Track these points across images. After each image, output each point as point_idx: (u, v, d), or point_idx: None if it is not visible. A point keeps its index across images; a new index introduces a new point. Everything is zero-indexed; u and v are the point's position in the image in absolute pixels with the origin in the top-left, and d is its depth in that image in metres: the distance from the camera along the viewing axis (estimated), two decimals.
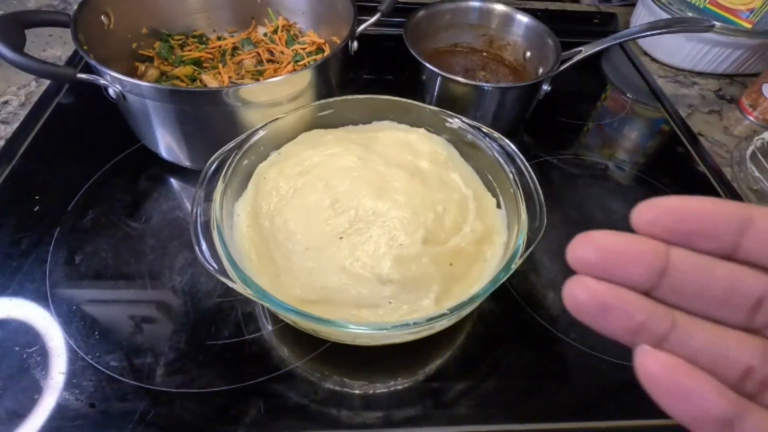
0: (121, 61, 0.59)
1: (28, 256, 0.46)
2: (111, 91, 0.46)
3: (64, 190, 0.51)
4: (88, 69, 0.46)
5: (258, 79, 0.61)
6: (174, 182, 0.54)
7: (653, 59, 0.80)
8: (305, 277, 0.38)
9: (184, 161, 0.53)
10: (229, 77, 0.61)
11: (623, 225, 0.54)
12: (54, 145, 0.56)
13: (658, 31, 0.59)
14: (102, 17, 0.54)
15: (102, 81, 0.45)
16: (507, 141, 0.45)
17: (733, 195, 0.58)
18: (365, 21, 0.55)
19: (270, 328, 0.42)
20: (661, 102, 0.72)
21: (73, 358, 0.39)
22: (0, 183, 0.52)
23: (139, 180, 0.54)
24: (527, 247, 0.38)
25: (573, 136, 0.65)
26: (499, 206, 0.45)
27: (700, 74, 0.77)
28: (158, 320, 0.42)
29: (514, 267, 0.36)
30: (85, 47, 0.46)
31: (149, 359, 0.39)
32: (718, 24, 0.65)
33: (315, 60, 0.63)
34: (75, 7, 0.78)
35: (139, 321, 0.42)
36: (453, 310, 0.33)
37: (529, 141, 0.63)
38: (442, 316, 0.33)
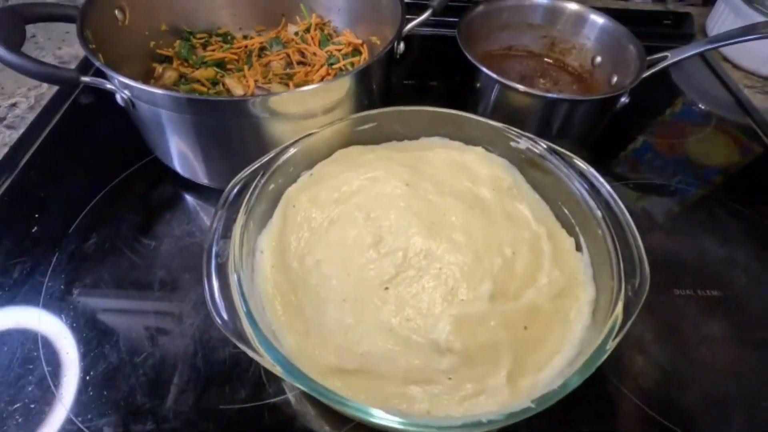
0: (137, 62, 0.53)
1: (20, 287, 0.39)
2: (119, 98, 0.39)
3: (67, 208, 0.45)
4: (99, 71, 0.40)
5: (287, 84, 0.54)
6: (189, 201, 0.48)
7: (736, 66, 0.69)
8: (341, 337, 0.30)
9: (202, 178, 0.47)
10: (255, 81, 0.54)
11: (718, 270, 0.43)
12: (60, 155, 0.51)
13: (756, 36, 0.49)
14: (116, 11, 0.48)
15: (109, 86, 0.39)
16: (592, 170, 0.36)
17: None
18: (412, 20, 0.47)
19: (294, 390, 0.35)
20: (751, 116, 0.61)
21: (63, 420, 0.33)
22: None
23: (150, 198, 0.47)
24: (627, 314, 0.29)
25: (646, 156, 0.55)
26: (578, 248, 0.37)
27: None
28: (163, 375, 0.35)
29: (609, 348, 0.27)
30: (93, 46, 0.40)
31: (150, 426, 0.32)
32: None
33: (353, 64, 0.55)
34: None
35: (141, 375, 0.35)
36: (540, 402, 0.25)
37: (597, 161, 0.54)
38: (525, 410, 0.25)
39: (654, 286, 0.42)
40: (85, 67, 0.62)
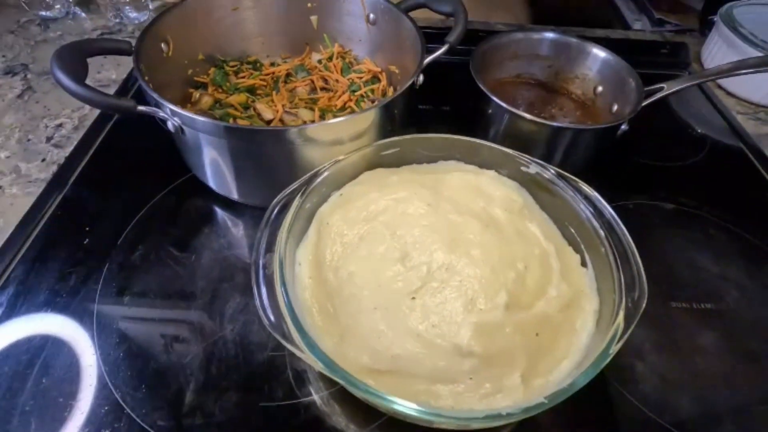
0: (176, 88, 0.57)
1: (76, 294, 0.43)
2: (170, 124, 0.44)
3: (115, 222, 0.49)
4: (144, 96, 0.44)
5: (312, 108, 0.58)
6: (225, 217, 0.52)
7: (729, 93, 0.74)
8: (374, 341, 0.34)
9: (234, 195, 0.51)
10: (283, 105, 0.58)
11: (712, 285, 0.48)
12: (106, 172, 0.55)
13: (748, 71, 0.53)
14: (162, 44, 0.52)
15: (161, 114, 0.43)
16: (596, 194, 0.40)
17: None
18: (431, 53, 0.52)
19: (326, 391, 0.39)
20: (744, 141, 0.66)
21: (119, 414, 0.36)
22: (51, 212, 0.50)
23: (190, 213, 0.51)
24: (627, 323, 0.33)
25: (646, 179, 0.59)
26: (583, 264, 0.40)
27: None
28: (210, 375, 0.39)
29: (612, 352, 0.31)
30: (146, 78, 0.45)
31: (198, 420, 0.36)
32: None
33: (373, 90, 0.60)
34: (130, 28, 0.78)
35: (188, 375, 0.39)
36: (552, 399, 0.29)
37: (599, 183, 0.58)
38: (539, 405, 0.28)
39: (653, 299, 0.46)
40: (123, 90, 0.67)
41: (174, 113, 0.43)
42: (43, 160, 0.57)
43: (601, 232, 0.38)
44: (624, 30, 0.87)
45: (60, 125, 0.61)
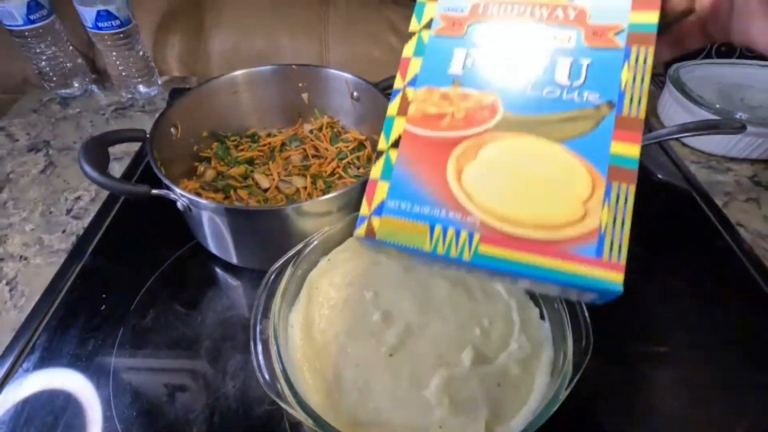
0: (184, 162, 0.65)
1: (94, 357, 0.49)
2: (179, 204, 0.51)
3: (128, 288, 0.55)
4: (156, 178, 0.51)
5: (304, 175, 0.66)
6: (226, 279, 0.58)
7: (684, 144, 0.81)
8: (357, 396, 0.39)
9: (234, 260, 0.57)
10: (279, 173, 0.66)
11: (664, 328, 0.54)
12: (120, 242, 0.61)
13: (690, 134, 0.61)
14: (171, 129, 0.60)
15: (172, 196, 0.50)
16: None
17: None
18: None
19: None
20: (696, 190, 0.72)
21: None
22: (71, 281, 0.56)
23: (195, 277, 0.57)
24: (575, 371, 0.38)
25: None
26: (542, 317, 0.46)
27: (733, 159, 0.78)
28: (213, 429, 0.43)
29: (562, 397, 0.36)
30: (159, 163, 0.52)
31: None
32: (749, 128, 0.67)
33: (359, 158, 0.67)
34: (141, 103, 0.87)
35: (195, 430, 0.43)
36: None
37: None
38: None
39: (610, 342, 0.51)
40: (130, 172, 0.73)
41: (182, 195, 0.50)
42: (64, 231, 0.63)
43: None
44: None
45: (78, 198, 0.68)
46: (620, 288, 0.25)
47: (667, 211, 0.69)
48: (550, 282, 0.26)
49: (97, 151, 0.51)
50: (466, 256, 0.26)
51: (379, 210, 0.29)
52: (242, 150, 0.69)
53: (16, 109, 0.86)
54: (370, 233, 0.29)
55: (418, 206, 0.28)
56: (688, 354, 0.51)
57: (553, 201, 0.26)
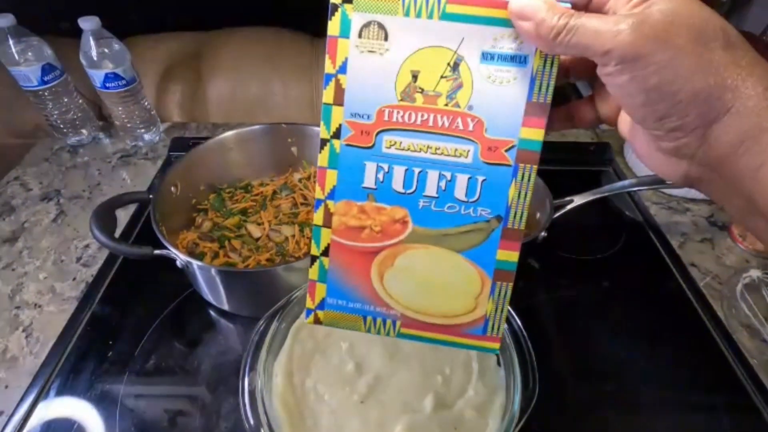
0: (182, 214, 0.71)
1: (102, 402, 0.55)
2: (178, 263, 0.57)
3: (132, 335, 0.61)
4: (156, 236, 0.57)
5: (293, 222, 0.72)
6: (221, 324, 0.64)
7: None
8: None
9: (226, 307, 0.63)
10: (269, 222, 0.72)
11: (618, 366, 0.60)
12: (125, 290, 0.68)
13: (645, 188, 0.67)
14: (171, 188, 0.67)
15: (172, 255, 0.56)
16: (509, 309, 0.52)
17: (724, 331, 0.63)
18: None
19: None
20: (655, 232, 0.78)
21: None
22: (82, 328, 0.62)
23: (193, 323, 0.63)
24: (522, 413, 0.44)
25: (568, 270, 0.72)
26: (499, 363, 0.52)
27: (692, 200, 0.84)
28: None
29: None
30: (161, 226, 0.58)
31: None
32: None
33: None
34: (144, 150, 0.94)
35: None
36: None
37: (529, 278, 0.70)
38: None
39: (567, 378, 0.57)
40: (132, 227, 0.79)
41: (180, 256, 0.56)
42: (74, 279, 0.70)
43: (508, 340, 0.50)
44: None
45: (87, 246, 0.75)
46: (497, 351, 0.37)
47: (625, 249, 0.75)
48: (450, 347, 0.37)
49: (105, 216, 0.57)
50: (392, 334, 0.37)
51: (321, 305, 0.37)
52: (236, 201, 0.75)
53: (29, 158, 0.93)
54: (318, 321, 0.38)
55: (352, 303, 0.37)
56: (637, 390, 0.57)
57: (452, 298, 0.36)
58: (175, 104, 1.06)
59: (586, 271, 0.71)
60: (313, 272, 0.36)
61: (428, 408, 0.46)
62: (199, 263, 0.54)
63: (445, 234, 0.33)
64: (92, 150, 0.95)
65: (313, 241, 0.36)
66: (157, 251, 0.56)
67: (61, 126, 0.92)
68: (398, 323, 0.36)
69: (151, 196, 0.61)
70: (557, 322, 0.64)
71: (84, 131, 0.96)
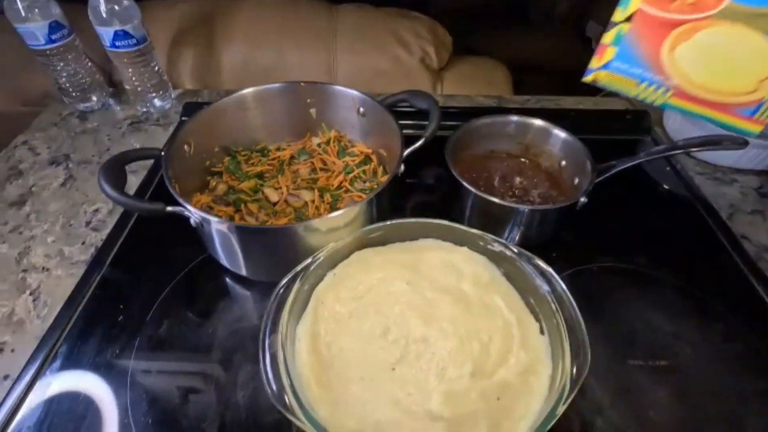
0: (196, 177, 0.67)
1: (112, 368, 0.51)
2: (192, 220, 0.53)
3: (144, 299, 0.58)
4: (170, 193, 0.53)
5: (312, 188, 0.68)
6: (237, 290, 0.60)
7: (689, 155, 0.82)
8: (360, 408, 0.41)
9: (243, 272, 0.59)
10: (287, 187, 0.68)
11: (667, 343, 0.55)
12: (136, 254, 0.64)
13: (693, 149, 0.61)
14: (185, 146, 0.63)
15: (186, 213, 0.52)
16: (550, 270, 0.47)
17: None
18: (409, 146, 0.61)
19: None
20: (701, 202, 0.72)
21: None
22: (91, 292, 0.59)
23: (207, 289, 0.59)
24: (572, 387, 0.39)
25: (610, 241, 0.66)
26: (542, 332, 0.47)
27: (739, 171, 0.78)
28: None
29: (558, 413, 0.37)
30: (173, 181, 0.54)
31: None
32: (752, 140, 0.67)
33: (365, 171, 0.69)
34: (156, 116, 0.90)
35: None
36: None
37: (565, 248, 0.65)
38: None
39: (611, 357, 0.52)
40: (145, 187, 0.75)
41: (195, 213, 0.52)
42: (83, 243, 0.66)
43: (553, 306, 0.45)
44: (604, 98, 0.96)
45: (97, 210, 0.71)
46: (757, 134, 0.41)
47: (671, 223, 0.69)
48: (710, 123, 0.42)
49: (115, 171, 0.53)
50: (657, 102, 0.45)
51: (606, 66, 0.45)
52: (252, 164, 0.71)
53: (37, 123, 0.90)
54: (595, 80, 0.46)
55: (634, 68, 0.42)
56: (688, 368, 0.52)
57: (737, 77, 0.38)
58: (187, 71, 1.01)
59: (629, 243, 0.66)
60: (608, 37, 0.43)
61: (466, 376, 0.42)
62: (216, 219, 0.50)
63: (759, 14, 0.34)
64: (102, 116, 0.91)
65: (619, 8, 0.40)
66: (169, 208, 0.52)
67: (71, 90, 0.88)
68: (670, 93, 0.43)
69: (163, 153, 0.57)
70: (600, 295, 0.59)
71: (94, 97, 0.92)
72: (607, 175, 0.62)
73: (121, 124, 0.89)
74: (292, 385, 0.39)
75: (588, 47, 1.53)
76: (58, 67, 0.84)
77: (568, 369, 0.41)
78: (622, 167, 0.61)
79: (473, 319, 0.46)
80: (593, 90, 0.98)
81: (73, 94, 0.89)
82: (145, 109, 0.92)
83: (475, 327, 0.45)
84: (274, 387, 0.40)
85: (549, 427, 0.37)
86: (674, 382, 0.51)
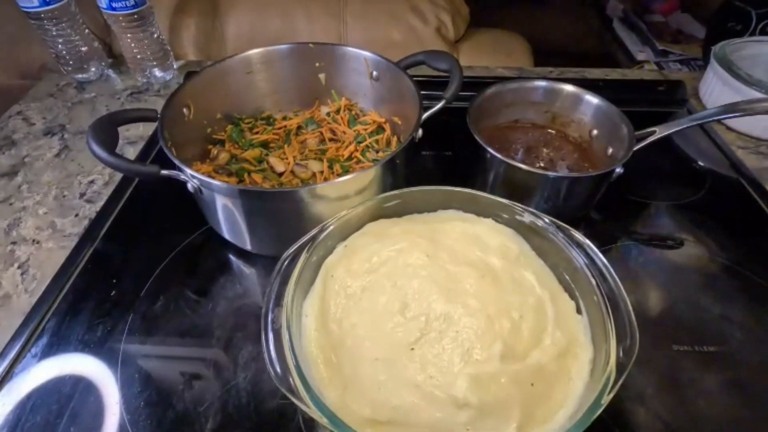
0: (197, 145, 0.62)
1: (103, 345, 0.47)
2: (189, 186, 0.48)
3: (139, 274, 0.53)
4: (168, 160, 0.49)
5: (321, 159, 0.62)
6: (239, 266, 0.55)
7: (729, 128, 0.75)
8: (375, 392, 0.36)
9: (247, 246, 0.54)
10: (294, 157, 0.63)
11: (715, 327, 0.49)
12: (131, 226, 0.60)
13: (736, 114, 0.55)
14: (184, 109, 0.58)
15: (182, 177, 0.47)
16: (588, 242, 0.42)
17: None
18: (428, 109, 0.55)
19: None
20: (744, 176, 0.66)
21: None
22: (82, 266, 0.54)
23: (206, 263, 0.55)
24: (619, 372, 0.34)
25: (646, 217, 0.61)
26: (579, 311, 0.42)
27: None
28: (223, 423, 0.41)
29: (604, 403, 0.32)
30: (170, 143, 0.49)
31: None
32: None
33: (378, 141, 0.64)
34: (156, 87, 0.85)
35: (204, 422, 0.41)
36: None
37: (598, 224, 0.60)
38: None
39: (654, 342, 0.47)
40: (149, 147, 0.72)
41: (193, 176, 0.47)
42: (77, 215, 0.62)
43: (593, 281, 0.40)
44: (629, 60, 0.90)
45: (92, 181, 0.67)
46: None
47: (714, 201, 0.63)
48: None
49: (106, 131, 0.49)
50: None
51: None
52: (257, 133, 0.66)
53: (33, 93, 0.85)
54: None
55: None
56: (739, 354, 0.46)
57: None
58: (191, 41, 0.96)
59: (669, 218, 0.60)
60: None
61: (495, 358, 0.36)
62: (216, 182, 0.45)
63: None
64: (100, 86, 0.87)
65: None
66: (164, 171, 0.47)
67: (67, 58, 0.84)
68: None
69: (159, 114, 0.52)
70: (637, 275, 0.54)
71: (92, 68, 0.88)
72: (645, 142, 0.56)
73: (120, 95, 0.85)
74: (297, 366, 0.35)
75: (609, 27, 1.45)
76: (54, 33, 0.79)
77: (613, 352, 0.35)
78: (665, 133, 0.55)
79: (502, 295, 0.41)
80: (626, 55, 0.92)
81: (71, 62, 0.84)
82: (145, 80, 0.87)
83: (504, 304, 0.40)
84: (278, 367, 0.35)
85: (593, 418, 0.32)
86: (725, 369, 0.45)
